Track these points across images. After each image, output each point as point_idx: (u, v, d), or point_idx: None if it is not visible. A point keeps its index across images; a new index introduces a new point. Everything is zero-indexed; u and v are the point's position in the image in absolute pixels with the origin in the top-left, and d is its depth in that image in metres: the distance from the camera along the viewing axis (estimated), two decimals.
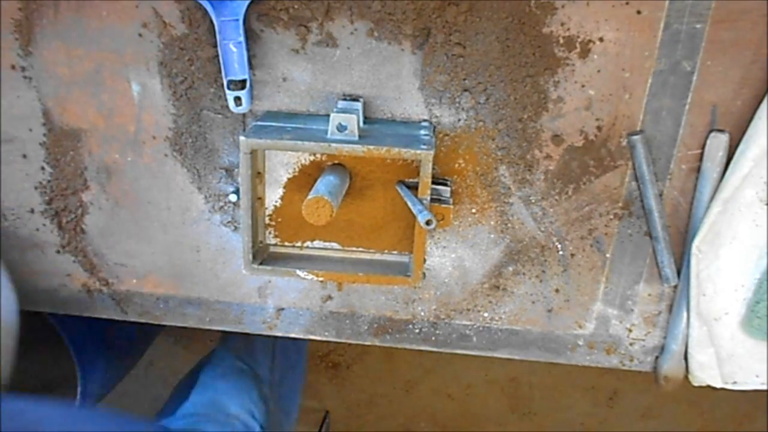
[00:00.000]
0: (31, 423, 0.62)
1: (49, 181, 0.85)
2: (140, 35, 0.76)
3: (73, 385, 1.16)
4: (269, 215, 0.81)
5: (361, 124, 0.75)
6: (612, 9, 0.72)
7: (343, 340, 0.93)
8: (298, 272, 0.78)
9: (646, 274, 0.85)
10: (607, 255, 0.85)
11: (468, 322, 0.90)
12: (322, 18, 0.74)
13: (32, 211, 0.87)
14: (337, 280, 0.80)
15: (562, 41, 0.74)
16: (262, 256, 0.80)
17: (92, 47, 0.77)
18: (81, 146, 0.82)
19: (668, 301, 0.87)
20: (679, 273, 0.84)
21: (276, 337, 0.90)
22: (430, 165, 0.71)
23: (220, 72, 0.75)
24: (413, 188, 0.74)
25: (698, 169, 0.79)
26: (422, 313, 0.90)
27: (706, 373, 0.86)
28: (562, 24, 0.73)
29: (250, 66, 0.76)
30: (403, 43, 0.75)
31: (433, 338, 0.92)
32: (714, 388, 0.88)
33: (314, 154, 0.77)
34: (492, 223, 0.84)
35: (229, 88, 0.75)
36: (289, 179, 0.79)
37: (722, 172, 0.77)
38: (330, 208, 0.67)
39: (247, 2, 0.71)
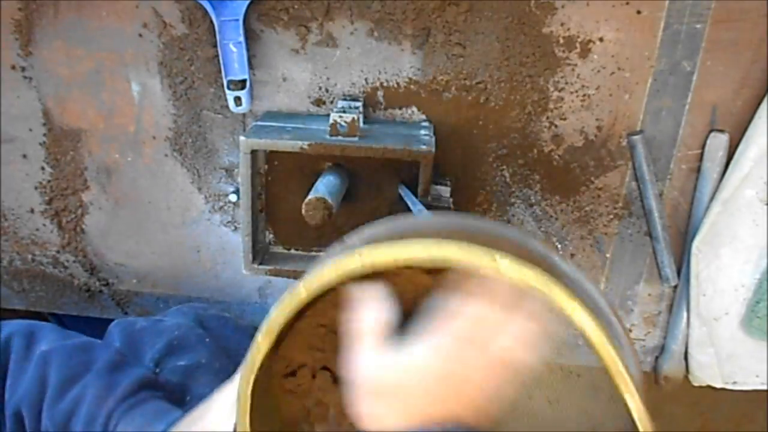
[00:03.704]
0: None
1: (49, 181, 0.85)
2: (140, 35, 0.76)
3: None
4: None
5: (361, 124, 0.75)
6: (612, 9, 0.72)
7: None
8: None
9: (646, 274, 0.85)
10: (607, 255, 0.84)
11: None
12: (322, 18, 0.74)
13: (32, 211, 0.87)
14: None
15: (562, 41, 0.74)
16: (262, 256, 0.80)
17: (92, 47, 0.77)
18: (81, 146, 0.82)
19: (668, 301, 0.87)
20: (679, 273, 0.84)
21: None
22: (431, 165, 0.70)
23: (220, 72, 0.75)
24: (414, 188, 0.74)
25: (698, 169, 0.79)
26: None
27: (706, 373, 0.86)
28: (562, 24, 0.73)
29: (250, 66, 0.76)
30: (403, 43, 0.75)
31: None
32: (714, 388, 0.88)
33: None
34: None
35: (229, 88, 0.75)
36: None
37: (722, 172, 0.77)
38: (330, 208, 0.67)
39: (247, 2, 0.71)
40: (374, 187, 0.79)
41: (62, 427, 0.55)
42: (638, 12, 0.72)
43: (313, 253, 0.83)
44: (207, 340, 0.73)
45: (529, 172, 0.80)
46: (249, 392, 0.44)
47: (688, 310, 0.84)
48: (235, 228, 0.86)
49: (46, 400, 0.56)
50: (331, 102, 0.78)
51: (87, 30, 0.76)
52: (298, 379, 0.53)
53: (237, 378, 0.48)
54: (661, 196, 0.80)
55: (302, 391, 0.53)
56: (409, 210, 0.71)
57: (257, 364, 0.44)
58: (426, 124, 0.78)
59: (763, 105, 0.73)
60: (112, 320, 0.94)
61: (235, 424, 0.46)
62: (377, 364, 0.40)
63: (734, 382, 0.87)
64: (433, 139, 0.73)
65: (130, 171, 0.84)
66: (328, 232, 0.82)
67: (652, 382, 0.91)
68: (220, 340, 0.74)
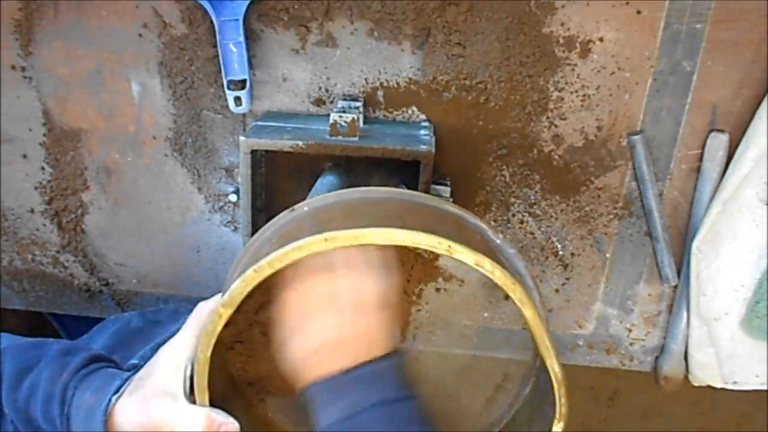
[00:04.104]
0: None
1: (49, 181, 0.85)
2: (140, 35, 0.76)
3: None
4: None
5: (361, 124, 0.75)
6: (612, 9, 0.72)
7: None
8: None
9: (646, 274, 0.85)
10: (607, 255, 0.84)
11: (468, 322, 0.90)
12: (322, 18, 0.74)
13: (32, 211, 0.87)
14: None
15: (562, 41, 0.74)
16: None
17: (92, 47, 0.77)
18: (81, 146, 0.82)
19: (668, 301, 0.87)
20: (679, 273, 0.84)
21: None
22: (431, 165, 0.70)
23: (220, 72, 0.75)
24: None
25: (698, 169, 0.79)
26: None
27: (706, 373, 0.86)
28: (562, 24, 0.73)
29: (250, 66, 0.76)
30: (403, 43, 0.75)
31: (434, 338, 0.91)
32: (714, 388, 0.88)
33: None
34: (492, 223, 0.84)
35: (229, 88, 0.75)
36: None
37: (722, 172, 0.77)
38: None
39: (247, 2, 0.71)
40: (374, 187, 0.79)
41: (23, 413, 0.57)
42: (638, 12, 0.72)
43: None
44: None
45: (529, 172, 0.80)
46: (208, 355, 0.50)
47: (688, 310, 0.84)
48: (235, 228, 0.86)
49: (3, 392, 0.57)
50: (331, 102, 0.78)
51: (87, 30, 0.76)
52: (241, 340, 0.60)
53: (179, 339, 0.56)
54: (661, 196, 0.80)
55: (245, 353, 0.61)
56: None
57: (218, 331, 0.49)
58: (426, 124, 0.78)
59: (763, 105, 0.73)
60: None
61: (192, 384, 0.52)
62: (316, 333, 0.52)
63: (734, 382, 0.87)
64: (433, 139, 0.73)
65: (130, 171, 0.84)
66: None
67: (652, 382, 0.91)
68: None
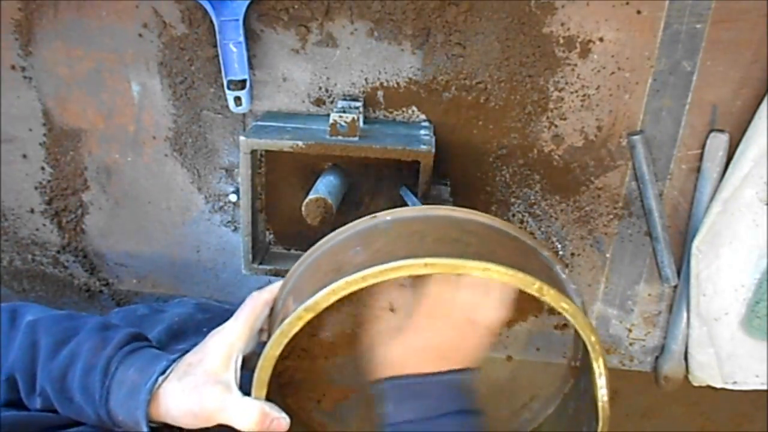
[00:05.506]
0: None
1: (49, 181, 0.85)
2: (140, 35, 0.76)
3: None
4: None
5: (361, 124, 0.75)
6: (612, 9, 0.72)
7: None
8: None
9: (646, 274, 0.85)
10: (607, 255, 0.84)
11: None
12: (322, 18, 0.74)
13: (32, 211, 0.87)
14: None
15: (562, 41, 0.74)
16: (262, 256, 0.80)
17: (92, 47, 0.77)
18: (81, 146, 0.82)
19: (668, 301, 0.87)
20: (679, 273, 0.84)
21: None
22: (431, 165, 0.70)
23: (220, 72, 0.75)
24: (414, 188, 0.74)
25: (698, 169, 0.79)
26: None
27: (706, 373, 0.86)
28: (562, 24, 0.73)
29: (250, 66, 0.76)
30: (403, 43, 0.75)
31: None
32: (714, 388, 0.88)
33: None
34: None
35: (229, 88, 0.75)
36: None
37: (722, 172, 0.77)
38: (330, 208, 0.67)
39: (247, 2, 0.71)
40: (374, 187, 0.79)
41: (58, 383, 0.55)
42: (638, 12, 0.72)
43: None
44: (205, 329, 0.74)
45: (529, 172, 0.80)
46: (277, 353, 0.50)
47: (688, 310, 0.84)
48: (235, 228, 0.86)
49: (39, 361, 0.56)
50: (331, 102, 0.78)
51: (87, 30, 0.76)
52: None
53: (230, 329, 0.56)
54: (661, 196, 0.80)
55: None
56: None
57: (293, 332, 0.49)
58: (426, 124, 0.78)
59: (763, 105, 0.73)
60: None
61: (241, 375, 0.53)
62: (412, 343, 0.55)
63: (734, 382, 0.87)
64: (433, 139, 0.73)
65: (130, 171, 0.84)
66: (328, 233, 0.82)
67: (652, 382, 0.91)
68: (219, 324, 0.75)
